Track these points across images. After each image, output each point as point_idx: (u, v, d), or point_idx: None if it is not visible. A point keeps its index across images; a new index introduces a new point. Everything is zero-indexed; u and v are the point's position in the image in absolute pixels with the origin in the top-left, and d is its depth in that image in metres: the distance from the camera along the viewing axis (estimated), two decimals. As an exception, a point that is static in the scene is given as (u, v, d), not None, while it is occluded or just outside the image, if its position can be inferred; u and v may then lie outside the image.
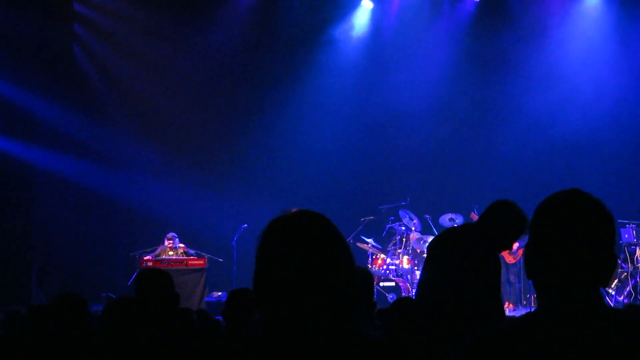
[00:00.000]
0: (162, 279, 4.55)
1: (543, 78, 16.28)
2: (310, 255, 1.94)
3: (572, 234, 2.02)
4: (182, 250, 14.17)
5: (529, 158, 16.42)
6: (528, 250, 2.12)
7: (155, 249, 14.18)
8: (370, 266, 13.83)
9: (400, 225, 14.48)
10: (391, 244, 14.47)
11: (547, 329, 1.99)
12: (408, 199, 14.92)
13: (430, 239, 14.09)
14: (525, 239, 2.30)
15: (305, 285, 1.92)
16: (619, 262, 13.24)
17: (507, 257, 14.00)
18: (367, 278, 5.06)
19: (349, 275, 1.99)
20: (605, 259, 2.04)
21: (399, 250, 14.18)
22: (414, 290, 13.57)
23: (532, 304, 13.57)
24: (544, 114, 16.22)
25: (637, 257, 13.28)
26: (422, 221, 14.63)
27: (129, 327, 4.56)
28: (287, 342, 1.94)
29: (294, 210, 2.07)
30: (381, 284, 13.01)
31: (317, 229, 2.00)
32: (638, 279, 13.07)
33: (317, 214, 2.05)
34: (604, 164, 15.78)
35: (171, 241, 14.15)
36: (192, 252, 14.19)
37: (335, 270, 1.96)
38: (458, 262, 5.11)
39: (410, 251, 14.17)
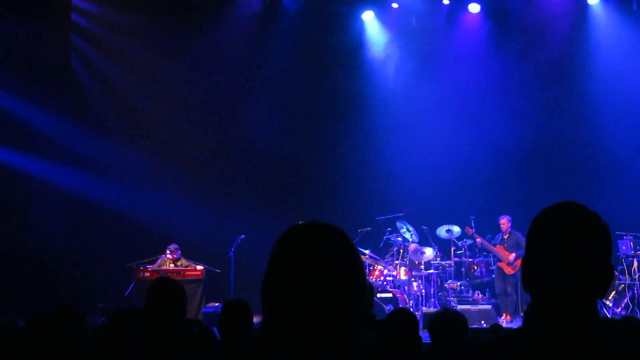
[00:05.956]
0: (177, 290, 4.50)
1: (542, 91, 16.34)
2: (324, 266, 1.93)
3: (567, 247, 2.03)
4: (184, 263, 14.13)
5: (526, 170, 16.46)
6: (525, 263, 2.12)
7: (156, 260, 14.14)
8: (368, 277, 13.79)
9: (397, 237, 14.48)
10: (388, 255, 14.45)
11: (544, 341, 1.99)
12: (405, 210, 14.91)
13: (427, 250, 14.10)
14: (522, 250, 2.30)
15: (315, 296, 1.91)
16: (617, 274, 13.25)
17: (506, 268, 14.00)
18: (369, 291, 5.05)
19: (359, 290, 1.98)
20: (601, 270, 2.04)
21: (397, 262, 14.17)
22: (411, 302, 13.57)
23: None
24: (542, 127, 16.27)
25: (634, 269, 13.28)
26: (419, 232, 14.63)
27: (133, 337, 4.54)
28: (287, 352, 1.93)
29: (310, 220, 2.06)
30: (378, 295, 12.98)
31: (334, 241, 1.99)
32: (635, 291, 13.07)
33: (335, 227, 2.04)
34: (603, 176, 15.80)
35: (173, 253, 14.11)
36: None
37: (347, 284, 1.94)
38: None
39: (407, 262, 14.15)
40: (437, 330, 4.94)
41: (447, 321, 4.92)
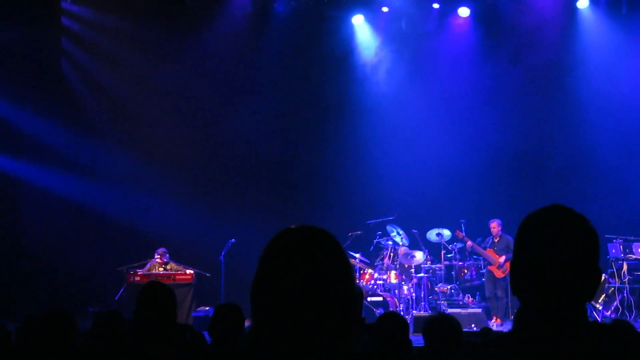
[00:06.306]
0: (167, 294, 4.48)
1: (532, 95, 16.38)
2: (313, 270, 1.92)
3: (555, 250, 2.03)
4: (174, 267, 14.10)
5: (517, 173, 16.49)
6: (513, 267, 2.13)
7: (145, 264, 14.10)
8: (358, 281, 13.78)
9: (387, 240, 14.48)
10: (379, 258, 14.45)
11: (534, 344, 2.00)
12: (395, 214, 14.92)
13: (417, 253, 14.11)
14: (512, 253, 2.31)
15: (307, 300, 1.90)
16: (606, 277, 13.29)
17: (496, 272, 14.01)
18: (358, 294, 5.03)
19: (349, 295, 1.97)
20: (589, 273, 2.05)
21: (387, 265, 14.17)
22: (401, 305, 13.57)
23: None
24: (532, 130, 16.31)
25: (624, 272, 13.32)
26: (410, 236, 14.64)
27: (123, 342, 4.53)
28: (279, 356, 1.92)
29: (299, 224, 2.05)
30: (369, 298, 12.98)
31: (325, 245, 1.99)
32: (625, 294, 13.11)
33: (324, 231, 2.04)
34: (593, 179, 15.85)
35: (161, 257, 14.07)
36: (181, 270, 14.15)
37: (336, 288, 1.94)
38: None
39: (397, 266, 14.15)
40: (430, 335, 4.94)
41: (442, 325, 4.92)
